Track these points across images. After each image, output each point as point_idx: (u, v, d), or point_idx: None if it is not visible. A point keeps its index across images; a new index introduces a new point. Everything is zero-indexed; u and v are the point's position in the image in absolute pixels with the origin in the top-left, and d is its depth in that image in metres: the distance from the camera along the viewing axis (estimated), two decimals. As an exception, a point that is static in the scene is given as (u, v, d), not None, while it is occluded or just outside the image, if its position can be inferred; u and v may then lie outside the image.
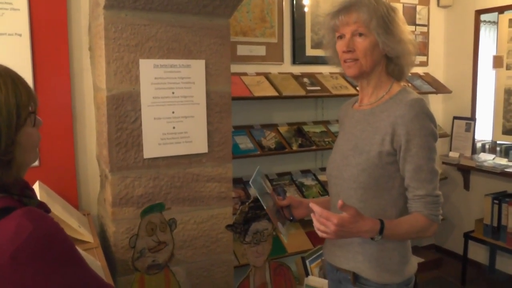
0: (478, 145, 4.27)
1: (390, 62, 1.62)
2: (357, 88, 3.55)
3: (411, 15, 4.26)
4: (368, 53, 1.57)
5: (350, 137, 1.68)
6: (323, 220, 1.38)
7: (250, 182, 1.68)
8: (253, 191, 1.79)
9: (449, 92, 4.29)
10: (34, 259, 0.97)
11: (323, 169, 3.74)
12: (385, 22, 1.55)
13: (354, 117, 1.71)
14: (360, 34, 1.56)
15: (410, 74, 4.03)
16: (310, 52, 3.70)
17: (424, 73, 4.35)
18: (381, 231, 1.44)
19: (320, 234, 1.42)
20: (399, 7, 4.15)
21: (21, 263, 0.96)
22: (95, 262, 1.89)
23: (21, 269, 0.96)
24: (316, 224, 1.41)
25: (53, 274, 1.00)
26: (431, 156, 1.52)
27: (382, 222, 1.45)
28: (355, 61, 1.59)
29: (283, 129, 3.49)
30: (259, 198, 1.67)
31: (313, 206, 1.41)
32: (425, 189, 1.52)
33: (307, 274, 3.03)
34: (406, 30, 1.61)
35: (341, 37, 1.62)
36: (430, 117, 1.53)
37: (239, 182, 3.34)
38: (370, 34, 1.56)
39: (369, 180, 1.57)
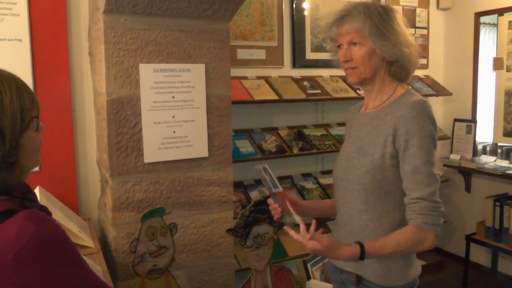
0: (479, 147, 4.26)
1: (392, 65, 1.62)
2: (358, 91, 3.57)
3: (410, 17, 4.26)
4: (366, 61, 1.58)
5: (355, 140, 1.69)
6: (314, 244, 1.47)
7: (262, 167, 1.64)
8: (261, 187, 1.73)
9: (450, 94, 4.29)
10: (35, 261, 0.98)
11: (324, 173, 3.74)
12: (379, 28, 1.56)
13: (359, 120, 1.72)
14: (355, 43, 1.59)
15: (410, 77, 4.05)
16: (310, 55, 3.70)
17: (424, 75, 4.35)
18: (362, 256, 1.47)
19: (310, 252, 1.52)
20: (398, 9, 4.15)
21: (23, 264, 0.97)
22: (96, 267, 1.89)
23: (23, 270, 0.97)
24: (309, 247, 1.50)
25: (54, 276, 1.01)
26: (429, 159, 1.50)
27: (362, 247, 1.48)
28: (354, 69, 1.62)
29: (283, 133, 3.49)
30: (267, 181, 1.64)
31: (289, 230, 1.52)
32: (420, 192, 1.49)
33: (308, 278, 3.02)
34: (403, 32, 1.60)
35: (339, 46, 1.65)
36: (431, 119, 1.52)
37: (240, 186, 3.33)
38: (365, 42, 1.57)
39: (372, 182, 1.57)
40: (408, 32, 1.62)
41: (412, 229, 1.50)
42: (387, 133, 1.55)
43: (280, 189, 1.62)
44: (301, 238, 1.47)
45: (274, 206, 1.71)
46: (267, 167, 1.58)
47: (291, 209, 1.63)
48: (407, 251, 1.57)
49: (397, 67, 1.62)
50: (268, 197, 1.76)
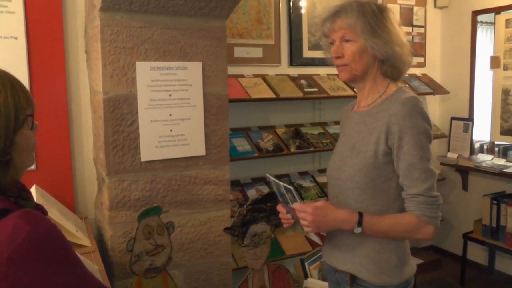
0: (476, 145, 4.27)
1: (383, 64, 1.63)
2: (355, 89, 3.56)
3: (407, 16, 4.26)
4: (357, 58, 1.59)
5: (348, 138, 1.69)
6: (302, 215, 1.51)
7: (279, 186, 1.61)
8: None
9: (447, 92, 4.29)
10: (31, 260, 0.98)
11: (321, 171, 3.74)
12: (372, 26, 1.56)
13: (352, 119, 1.72)
14: (347, 40, 1.59)
15: (407, 75, 4.05)
16: (307, 53, 3.70)
17: (422, 74, 4.35)
18: (359, 223, 1.51)
19: (305, 229, 1.55)
20: (395, 8, 4.15)
21: (18, 264, 0.96)
22: (93, 266, 1.88)
23: (18, 270, 0.96)
24: (300, 221, 1.54)
25: (49, 275, 1.00)
26: (424, 155, 1.51)
27: (360, 215, 1.51)
28: (345, 66, 1.62)
29: (280, 131, 3.49)
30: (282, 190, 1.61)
31: (295, 205, 1.54)
32: (417, 188, 1.50)
33: (306, 277, 3.01)
34: (396, 31, 1.60)
35: (332, 43, 1.66)
36: (423, 116, 1.53)
37: (237, 185, 3.33)
38: (357, 39, 1.58)
39: (365, 180, 1.57)
40: (401, 32, 1.63)
41: (411, 216, 1.52)
42: (379, 131, 1.56)
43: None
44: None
45: (286, 216, 1.67)
46: (292, 190, 1.55)
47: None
48: (402, 235, 1.58)
49: (389, 66, 1.62)
50: (268, 195, 1.75)
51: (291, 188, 1.52)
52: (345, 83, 3.64)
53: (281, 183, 1.56)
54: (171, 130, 2.30)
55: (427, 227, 1.52)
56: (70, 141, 2.54)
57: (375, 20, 1.57)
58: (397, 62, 1.61)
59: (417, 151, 1.50)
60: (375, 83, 1.65)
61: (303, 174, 3.69)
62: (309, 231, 1.57)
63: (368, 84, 1.66)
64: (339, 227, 1.53)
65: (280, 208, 1.70)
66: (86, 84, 2.58)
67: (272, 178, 1.63)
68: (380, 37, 1.56)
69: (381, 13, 1.59)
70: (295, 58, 3.65)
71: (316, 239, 1.70)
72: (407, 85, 3.98)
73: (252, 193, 3.28)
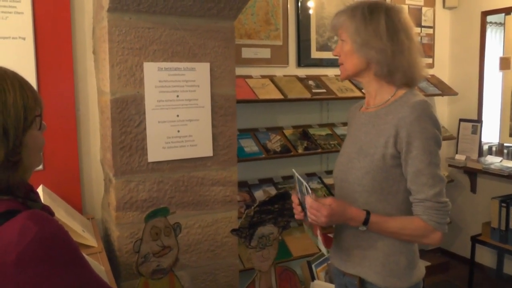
0: (485, 147, 4.23)
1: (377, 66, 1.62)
2: (363, 90, 3.54)
3: (416, 16, 4.23)
4: (348, 58, 1.63)
5: (355, 140, 1.68)
6: (314, 211, 1.51)
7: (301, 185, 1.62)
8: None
9: (455, 94, 4.26)
10: (38, 261, 0.98)
11: (328, 172, 3.72)
12: (357, 27, 1.58)
13: (360, 119, 1.71)
14: (342, 40, 1.64)
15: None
16: (315, 54, 3.68)
17: (430, 75, 4.32)
18: (366, 222, 1.51)
19: (311, 221, 1.56)
20: (404, 8, 4.11)
21: (25, 264, 0.96)
22: (99, 266, 1.88)
23: (25, 271, 0.97)
24: (308, 215, 1.55)
25: (56, 276, 1.00)
26: (432, 160, 1.49)
27: (368, 213, 1.52)
28: (341, 65, 1.68)
29: (288, 132, 3.47)
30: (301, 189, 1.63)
31: (309, 201, 1.53)
32: (424, 194, 1.49)
33: (313, 279, 3.00)
34: (382, 35, 1.55)
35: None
36: (433, 120, 1.51)
37: (244, 186, 3.32)
38: (348, 40, 1.61)
39: (373, 184, 1.56)
40: (393, 37, 1.56)
41: (419, 221, 1.51)
42: (388, 134, 1.54)
43: None
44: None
45: (298, 209, 1.66)
46: (312, 195, 1.55)
47: (319, 233, 1.64)
48: (409, 239, 1.57)
49: (376, 69, 1.60)
50: (275, 196, 1.75)
51: (312, 195, 1.54)
52: (354, 84, 3.64)
53: (304, 183, 1.57)
54: (178, 131, 2.30)
55: (435, 232, 1.51)
56: (78, 141, 2.54)
57: (363, 22, 1.57)
58: (377, 66, 1.59)
59: (426, 157, 1.48)
60: (381, 85, 1.64)
61: (311, 175, 3.67)
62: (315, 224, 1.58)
63: (373, 85, 1.65)
64: (347, 223, 1.55)
65: (294, 198, 1.69)
66: (94, 84, 2.58)
67: (297, 175, 1.65)
68: (361, 38, 1.57)
69: (371, 15, 1.57)
70: (303, 59, 3.64)
71: (323, 250, 1.69)
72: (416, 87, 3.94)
73: (259, 194, 3.27)
